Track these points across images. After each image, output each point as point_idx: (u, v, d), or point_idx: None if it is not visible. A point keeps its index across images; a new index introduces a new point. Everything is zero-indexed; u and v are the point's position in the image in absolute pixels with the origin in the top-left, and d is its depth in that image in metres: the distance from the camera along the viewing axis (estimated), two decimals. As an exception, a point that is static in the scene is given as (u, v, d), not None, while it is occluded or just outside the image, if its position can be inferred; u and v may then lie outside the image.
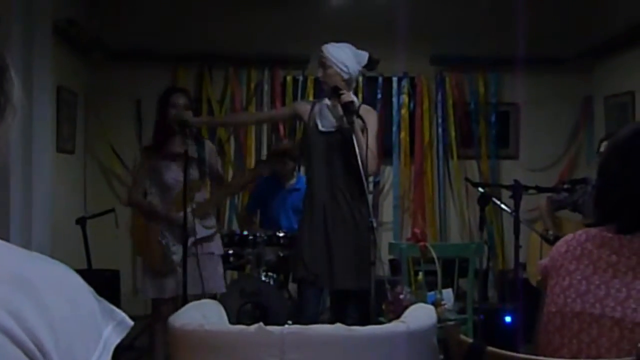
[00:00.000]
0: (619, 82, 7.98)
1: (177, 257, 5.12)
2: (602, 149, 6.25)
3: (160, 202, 5.31)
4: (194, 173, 5.18)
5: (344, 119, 4.85)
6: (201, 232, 5.25)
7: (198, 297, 4.82)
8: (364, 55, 5.05)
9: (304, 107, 5.18)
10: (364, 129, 4.80)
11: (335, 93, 4.91)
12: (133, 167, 7.58)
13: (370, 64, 5.06)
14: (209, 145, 5.45)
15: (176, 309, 4.16)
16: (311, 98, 8.21)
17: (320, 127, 5.00)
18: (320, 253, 4.92)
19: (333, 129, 4.97)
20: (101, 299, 1.14)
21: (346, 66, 4.96)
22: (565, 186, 6.36)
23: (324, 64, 4.97)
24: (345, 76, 4.96)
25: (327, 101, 5.06)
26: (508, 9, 8.19)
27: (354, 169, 4.76)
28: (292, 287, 6.76)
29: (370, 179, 8.28)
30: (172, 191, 5.24)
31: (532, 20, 8.20)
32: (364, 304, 4.91)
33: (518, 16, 8.12)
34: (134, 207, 5.48)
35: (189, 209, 4.95)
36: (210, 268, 5.28)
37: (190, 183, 5.02)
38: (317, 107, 5.09)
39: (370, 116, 4.94)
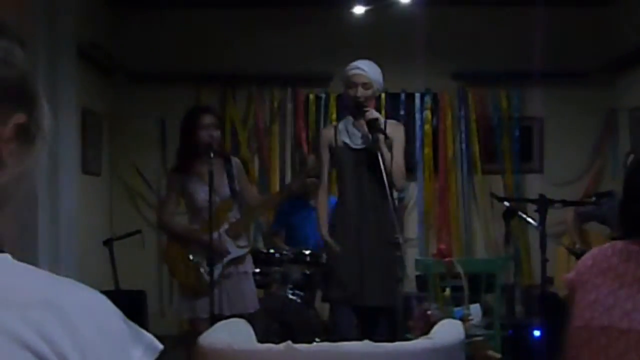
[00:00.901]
0: (643, 94, 7.93)
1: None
2: (629, 162, 6.22)
3: (192, 223, 5.32)
4: (226, 191, 5.19)
5: (369, 135, 4.88)
6: (235, 252, 5.24)
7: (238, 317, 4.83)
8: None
9: (329, 133, 5.19)
10: (391, 145, 4.85)
11: (359, 110, 4.94)
12: (159, 189, 7.62)
13: None
14: (236, 162, 5.43)
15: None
16: (334, 115, 8.25)
17: (350, 145, 5.03)
18: (353, 270, 4.93)
19: (362, 146, 5.00)
20: (131, 322, 1.15)
21: (380, 84, 5.04)
22: (591, 199, 6.33)
23: (365, 84, 4.99)
24: (377, 94, 5.05)
25: (349, 120, 5.09)
26: (529, 23, 8.19)
27: (381, 185, 4.79)
28: (319, 304, 6.76)
29: (395, 195, 8.30)
30: (204, 211, 5.13)
31: (553, 33, 8.20)
32: (392, 320, 4.91)
33: (539, 30, 8.12)
34: (165, 229, 5.49)
35: (222, 229, 4.96)
36: (246, 287, 5.29)
37: (221, 203, 5.04)
38: (341, 126, 5.14)
39: (397, 130, 4.98)
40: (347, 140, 5.05)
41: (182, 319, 5.37)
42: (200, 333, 4.77)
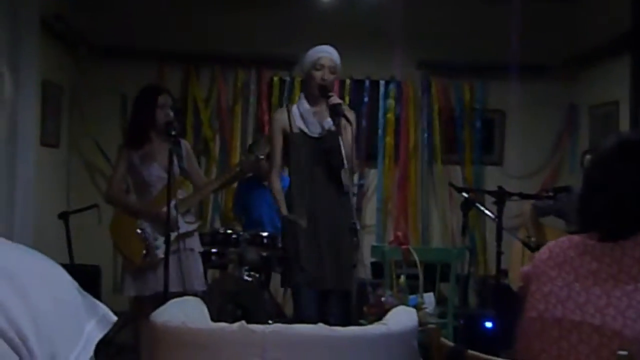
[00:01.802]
0: (604, 92, 8.00)
1: (159, 252, 5.15)
2: (585, 162, 6.29)
3: (139, 199, 5.39)
4: (175, 170, 5.20)
5: (330, 120, 4.88)
6: (184, 227, 5.30)
7: (179, 295, 4.82)
8: None
9: (283, 117, 5.15)
10: (350, 129, 4.86)
11: (324, 95, 4.93)
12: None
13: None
14: (184, 144, 5.48)
15: (158, 306, 4.15)
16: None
17: (308, 133, 5.01)
18: (314, 255, 4.94)
19: (321, 134, 5.00)
20: (85, 293, 1.14)
21: (340, 71, 5.07)
22: (549, 194, 6.38)
23: (332, 67, 5.01)
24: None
25: (305, 104, 5.07)
26: (495, 16, 8.24)
27: (336, 171, 4.85)
28: (274, 286, 6.78)
29: (355, 181, 8.32)
30: (152, 188, 5.32)
31: (518, 28, 8.23)
32: (346, 304, 4.93)
33: (505, 24, 8.16)
34: (113, 204, 5.51)
35: (172, 204, 4.97)
36: (191, 265, 5.34)
37: (173, 180, 5.06)
38: (295, 111, 5.11)
39: (350, 116, 4.97)
40: (304, 127, 5.04)
41: (128, 295, 5.34)
42: (145, 311, 4.78)
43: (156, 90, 5.47)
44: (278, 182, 5.16)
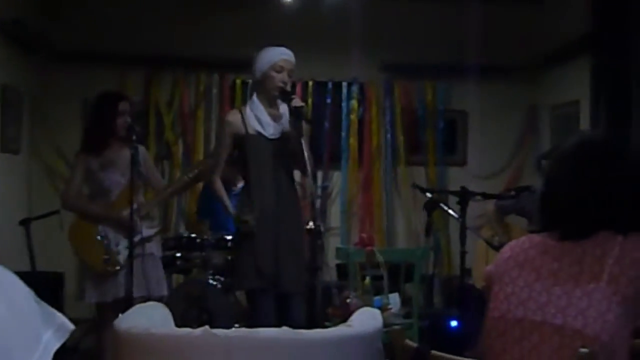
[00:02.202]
0: (565, 92, 8.08)
1: (121, 257, 5.13)
2: (542, 165, 6.35)
3: (97, 205, 5.36)
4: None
5: (289, 123, 4.86)
6: (145, 232, 5.30)
7: (143, 300, 4.80)
8: None
9: (236, 120, 4.99)
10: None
11: (285, 98, 4.91)
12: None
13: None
14: (141, 149, 5.47)
15: (120, 311, 4.12)
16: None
17: (264, 134, 4.93)
18: (271, 258, 4.86)
19: (277, 135, 4.93)
20: (42, 302, 1.13)
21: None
22: (511, 193, 6.43)
23: (291, 70, 4.96)
24: None
25: (259, 106, 4.99)
26: (457, 18, 8.28)
27: (291, 174, 4.92)
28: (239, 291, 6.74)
29: (319, 183, 8.32)
30: (110, 194, 5.31)
31: (480, 29, 8.29)
32: (309, 306, 4.91)
33: (467, 25, 8.21)
34: (72, 209, 5.48)
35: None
36: (153, 269, 5.34)
37: (129, 185, 5.05)
38: (249, 113, 4.97)
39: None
40: (260, 129, 4.92)
41: (89, 302, 5.31)
42: (108, 317, 4.77)
43: (116, 97, 5.46)
44: (220, 183, 5.08)
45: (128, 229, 4.96)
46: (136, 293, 4.97)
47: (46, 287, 6.64)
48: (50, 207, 7.09)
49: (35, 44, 7.91)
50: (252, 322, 4.85)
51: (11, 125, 7.50)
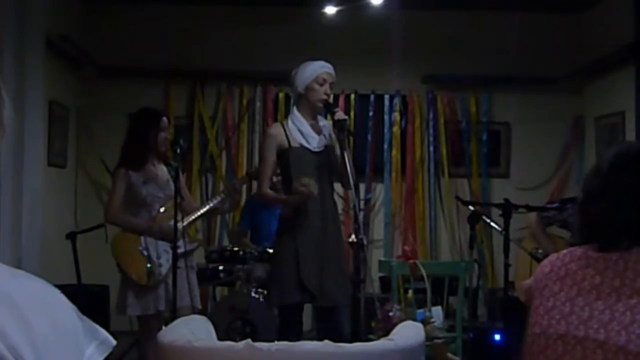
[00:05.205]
0: (610, 102, 8.01)
1: (163, 269, 5.18)
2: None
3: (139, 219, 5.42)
4: (172, 191, 5.24)
5: (332, 135, 4.88)
6: (189, 245, 5.39)
7: (187, 310, 4.88)
8: None
9: (279, 134, 4.98)
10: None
11: (329, 110, 4.94)
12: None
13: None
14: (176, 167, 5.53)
15: (164, 323, 4.17)
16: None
17: (309, 147, 4.92)
18: (315, 271, 4.83)
19: (321, 148, 4.93)
20: (84, 317, 1.15)
21: None
22: (555, 205, 6.37)
23: (332, 83, 4.97)
24: None
25: (301, 119, 4.96)
26: (500, 28, 8.25)
27: (333, 186, 4.96)
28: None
29: (362, 196, 8.33)
30: (151, 208, 5.35)
31: (523, 40, 8.26)
32: (353, 320, 4.89)
33: (510, 36, 8.18)
34: (115, 223, 5.51)
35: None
36: (193, 281, 5.41)
37: (170, 201, 5.17)
38: (291, 126, 4.96)
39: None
40: (304, 142, 4.92)
41: (132, 314, 5.35)
42: (148, 330, 4.82)
43: (158, 114, 5.51)
44: (269, 191, 5.05)
45: (172, 241, 5.00)
46: (179, 304, 5.02)
47: (92, 300, 6.72)
48: (95, 220, 7.15)
49: (81, 59, 8.02)
50: (281, 336, 4.74)
51: (58, 139, 7.61)
